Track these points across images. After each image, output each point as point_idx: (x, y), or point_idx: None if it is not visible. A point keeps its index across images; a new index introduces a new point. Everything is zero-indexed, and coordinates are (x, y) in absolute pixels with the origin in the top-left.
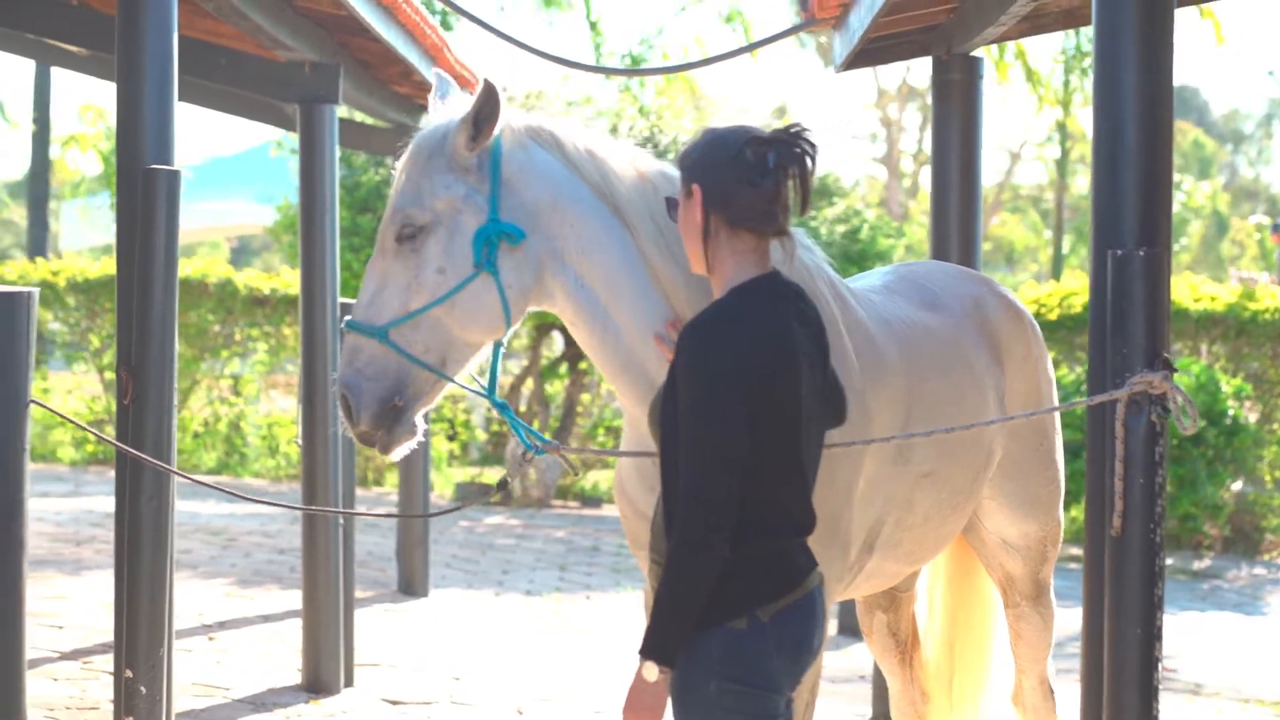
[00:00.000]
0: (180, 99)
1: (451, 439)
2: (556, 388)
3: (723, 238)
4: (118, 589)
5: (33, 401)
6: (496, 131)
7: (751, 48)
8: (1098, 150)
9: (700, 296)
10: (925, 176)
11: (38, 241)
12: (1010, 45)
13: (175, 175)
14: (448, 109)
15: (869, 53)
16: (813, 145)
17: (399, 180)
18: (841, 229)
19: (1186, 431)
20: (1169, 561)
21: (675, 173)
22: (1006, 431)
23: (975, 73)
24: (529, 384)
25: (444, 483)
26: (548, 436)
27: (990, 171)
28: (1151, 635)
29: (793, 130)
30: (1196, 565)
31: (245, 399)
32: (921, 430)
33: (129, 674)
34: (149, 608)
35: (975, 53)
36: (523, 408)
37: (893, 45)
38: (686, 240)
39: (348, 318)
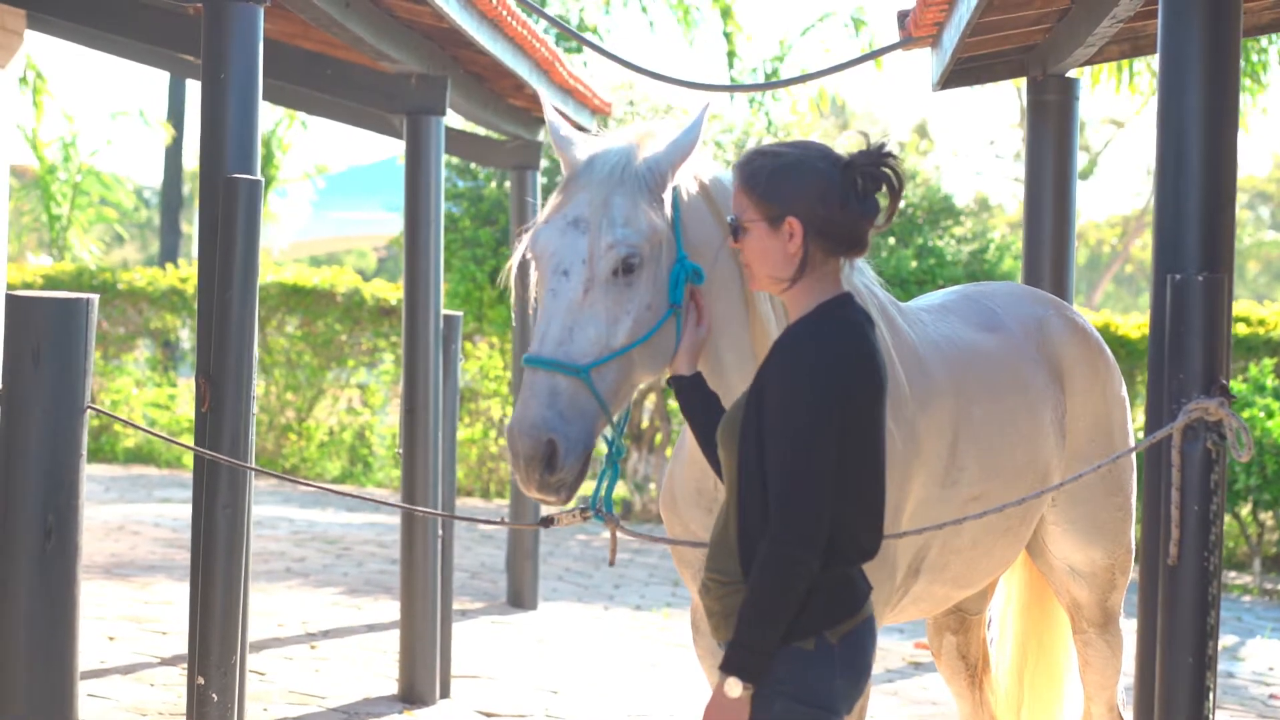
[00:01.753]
0: (293, 108)
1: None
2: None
3: (816, 262)
4: (192, 596)
5: (90, 408)
6: (684, 167)
7: (846, 66)
8: (1161, 174)
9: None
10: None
11: (170, 248)
12: (1144, 67)
13: (256, 184)
14: (607, 138)
15: (965, 72)
16: (897, 161)
17: (597, 207)
18: (969, 248)
19: (1241, 459)
20: None
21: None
22: (1069, 456)
23: (1070, 94)
24: (651, 399)
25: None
26: (669, 453)
27: (1134, 196)
28: (1204, 664)
29: (878, 151)
30: None
31: (371, 409)
32: (972, 452)
33: (201, 681)
34: (222, 615)
35: (1071, 74)
36: (644, 423)
37: (989, 65)
38: (764, 264)
39: (537, 354)
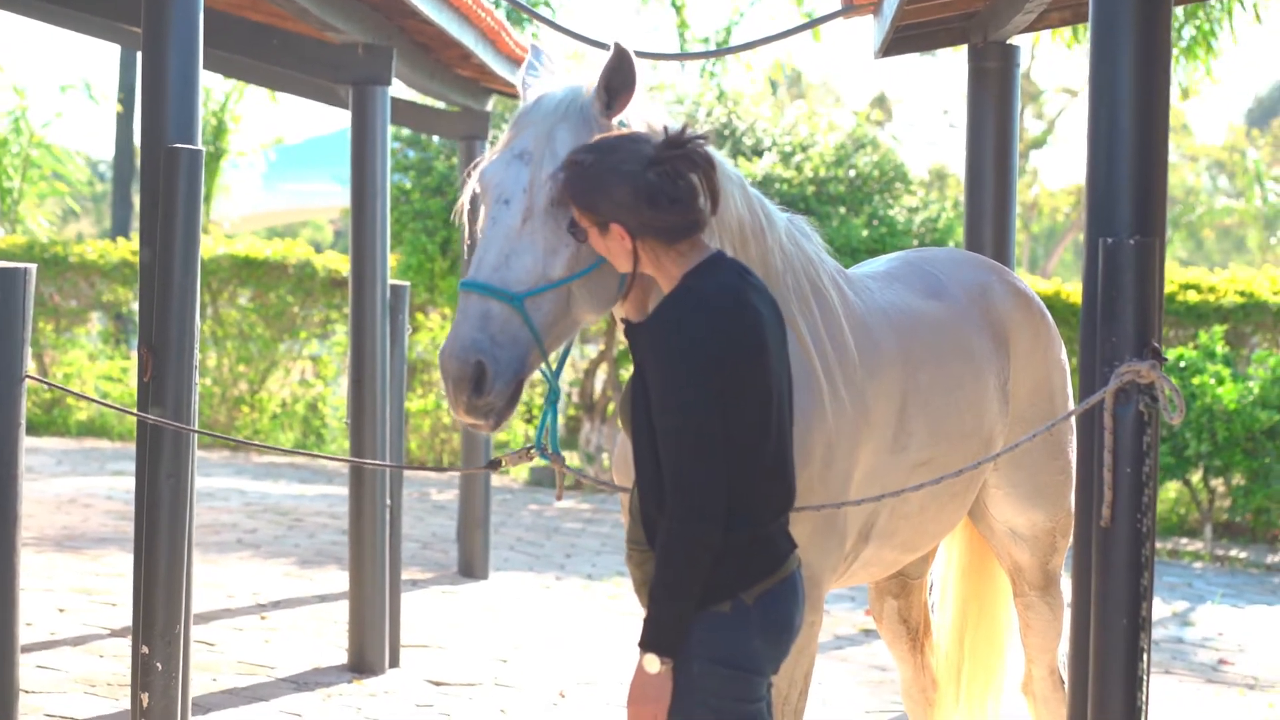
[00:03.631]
0: (241, 79)
1: (528, 421)
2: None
3: (661, 253)
4: (136, 566)
5: (29, 377)
6: (632, 102)
7: (791, 32)
8: (1093, 139)
9: None
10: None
11: (121, 221)
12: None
13: (197, 154)
14: (559, 76)
15: (906, 40)
16: (705, 144)
17: (541, 141)
18: (921, 217)
19: (1173, 421)
20: (1242, 555)
21: (732, 168)
22: (1011, 420)
23: (1011, 61)
24: (604, 368)
25: (517, 468)
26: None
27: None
28: (1137, 625)
29: (679, 138)
30: (1270, 559)
31: (324, 380)
32: (920, 419)
33: (145, 650)
34: (166, 585)
35: (1012, 41)
36: (596, 393)
37: (931, 32)
38: (616, 261)
39: (473, 278)
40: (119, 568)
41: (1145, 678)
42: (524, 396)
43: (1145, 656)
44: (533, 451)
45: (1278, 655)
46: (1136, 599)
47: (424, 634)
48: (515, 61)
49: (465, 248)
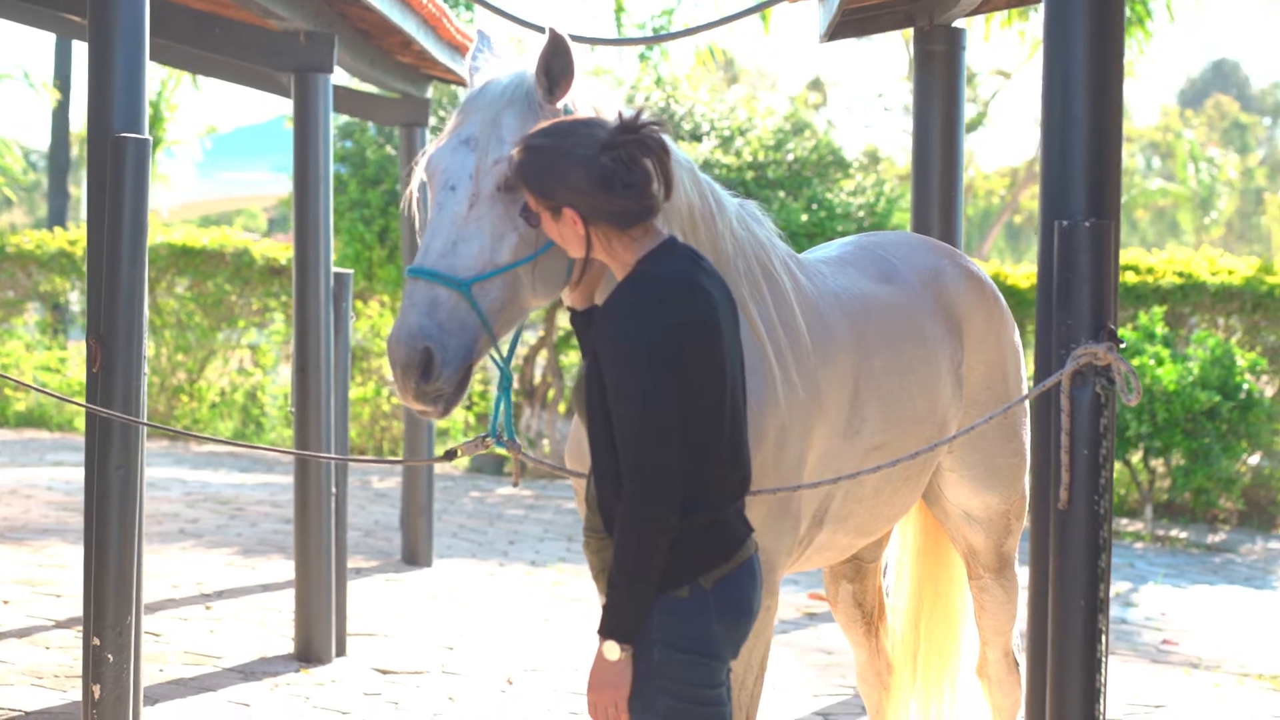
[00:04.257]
0: (181, 68)
1: (469, 408)
2: (572, 359)
3: (613, 238)
4: (86, 558)
5: None
6: (573, 87)
7: (733, 18)
8: (1047, 122)
9: None
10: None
11: (57, 211)
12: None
13: (144, 143)
14: (504, 62)
15: (852, 23)
16: (659, 126)
17: (487, 127)
18: (859, 201)
19: (1130, 403)
20: (1182, 535)
21: (680, 152)
22: (966, 403)
23: (957, 44)
24: (543, 354)
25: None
26: (561, 409)
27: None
28: (1095, 607)
29: (633, 122)
30: (1210, 539)
31: (263, 369)
32: (873, 403)
33: (96, 642)
34: (116, 576)
35: (957, 24)
36: (537, 379)
37: (875, 16)
38: (567, 246)
39: (420, 265)
40: (62, 559)
41: (1104, 659)
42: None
43: (1103, 638)
44: (488, 440)
45: (1220, 635)
46: (1095, 580)
47: (370, 622)
48: (455, 48)
49: (417, 235)
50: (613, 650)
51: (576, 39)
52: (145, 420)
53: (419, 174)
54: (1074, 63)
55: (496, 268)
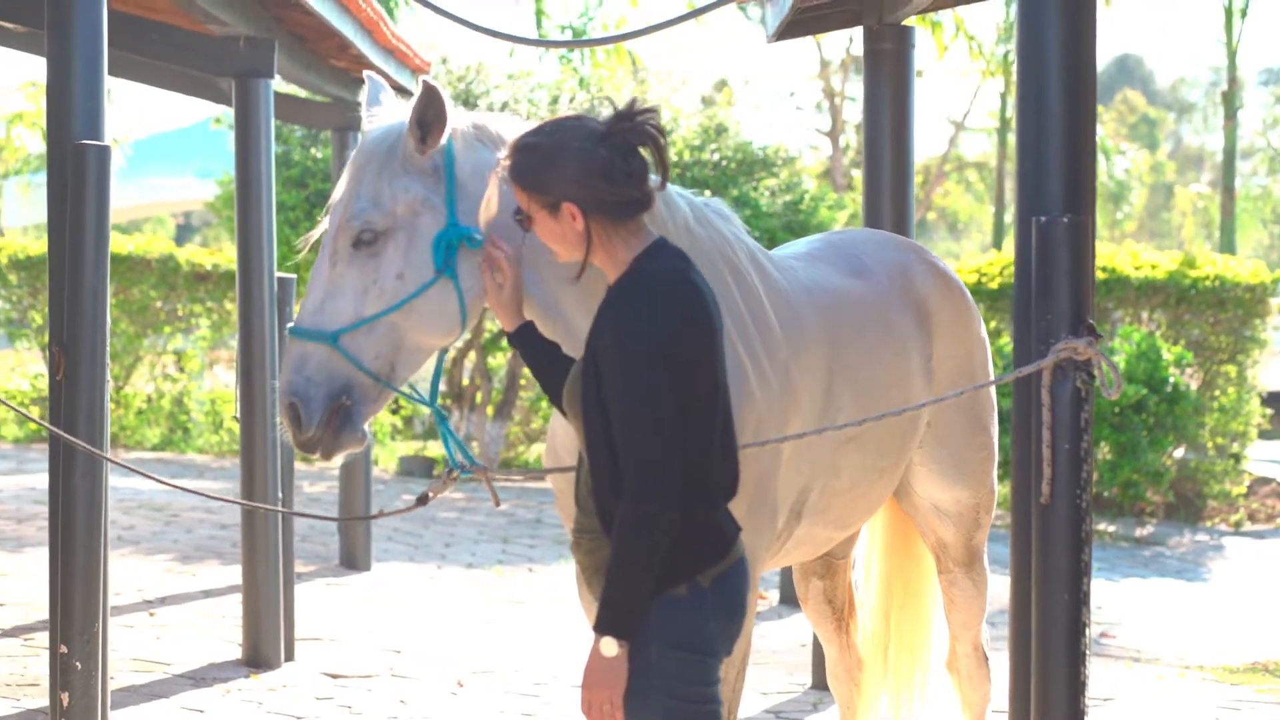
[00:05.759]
0: (114, 74)
1: (395, 412)
2: (500, 360)
3: (609, 233)
4: (52, 565)
5: None
6: (446, 134)
7: (686, 17)
8: (1022, 118)
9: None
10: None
11: None
12: (948, 16)
13: (105, 150)
14: (390, 111)
15: (801, 23)
16: (654, 114)
17: (350, 185)
18: (783, 200)
19: (1111, 396)
20: (1111, 529)
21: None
22: (936, 395)
23: (907, 42)
24: (471, 357)
25: (388, 457)
26: (490, 413)
27: (935, 142)
28: (1079, 600)
29: (629, 110)
30: (1139, 532)
31: (189, 375)
32: (847, 393)
33: (64, 650)
34: (83, 583)
35: (907, 22)
36: (465, 381)
37: (825, 15)
38: (558, 245)
39: (291, 325)
40: (3, 568)
41: (1086, 652)
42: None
43: (1086, 631)
44: (454, 473)
45: (1156, 628)
46: (1078, 574)
47: (315, 627)
48: (391, 52)
49: None
50: (610, 647)
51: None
52: (107, 431)
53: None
54: (1048, 60)
55: (362, 318)
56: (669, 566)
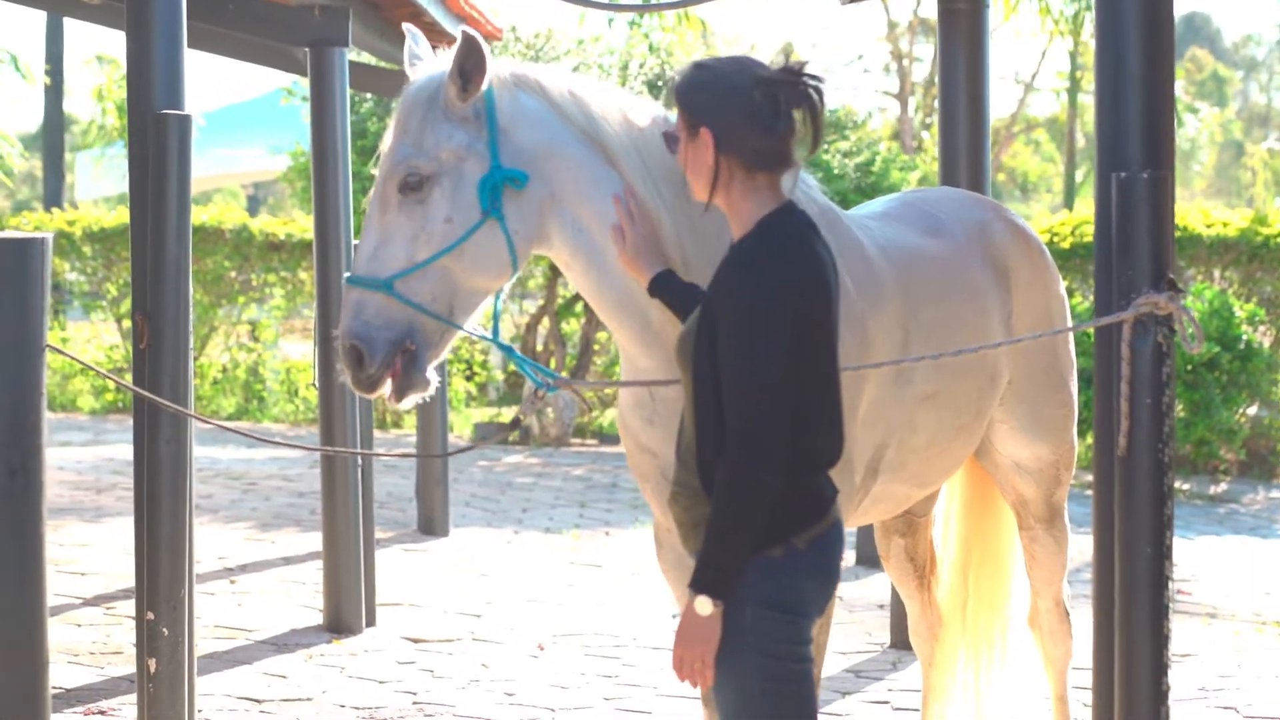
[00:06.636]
0: (191, 46)
1: (469, 379)
2: (573, 326)
3: (738, 179)
4: (138, 532)
5: (49, 347)
6: (486, 82)
7: None
8: (1101, 75)
9: (687, 233)
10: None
11: (53, 193)
12: None
13: (186, 120)
14: (432, 62)
15: None
16: (819, 81)
17: (394, 134)
18: (854, 162)
19: (1193, 351)
20: (1185, 486)
21: (662, 111)
22: (1014, 353)
23: (980, 2)
24: (545, 323)
25: (462, 423)
26: (564, 374)
27: (1004, 102)
28: (1161, 554)
29: (798, 69)
30: (1212, 490)
31: (263, 344)
32: (926, 353)
33: (150, 616)
34: (169, 550)
35: None
36: (539, 347)
37: None
38: (692, 176)
39: (350, 273)
40: (81, 537)
41: (1169, 605)
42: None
43: (1169, 584)
44: (540, 392)
45: (1231, 584)
46: (1161, 528)
47: (395, 592)
48: (463, 18)
49: None
50: (704, 605)
51: (571, 0)
52: (191, 395)
53: None
54: (1127, 18)
55: (416, 263)
56: (768, 528)
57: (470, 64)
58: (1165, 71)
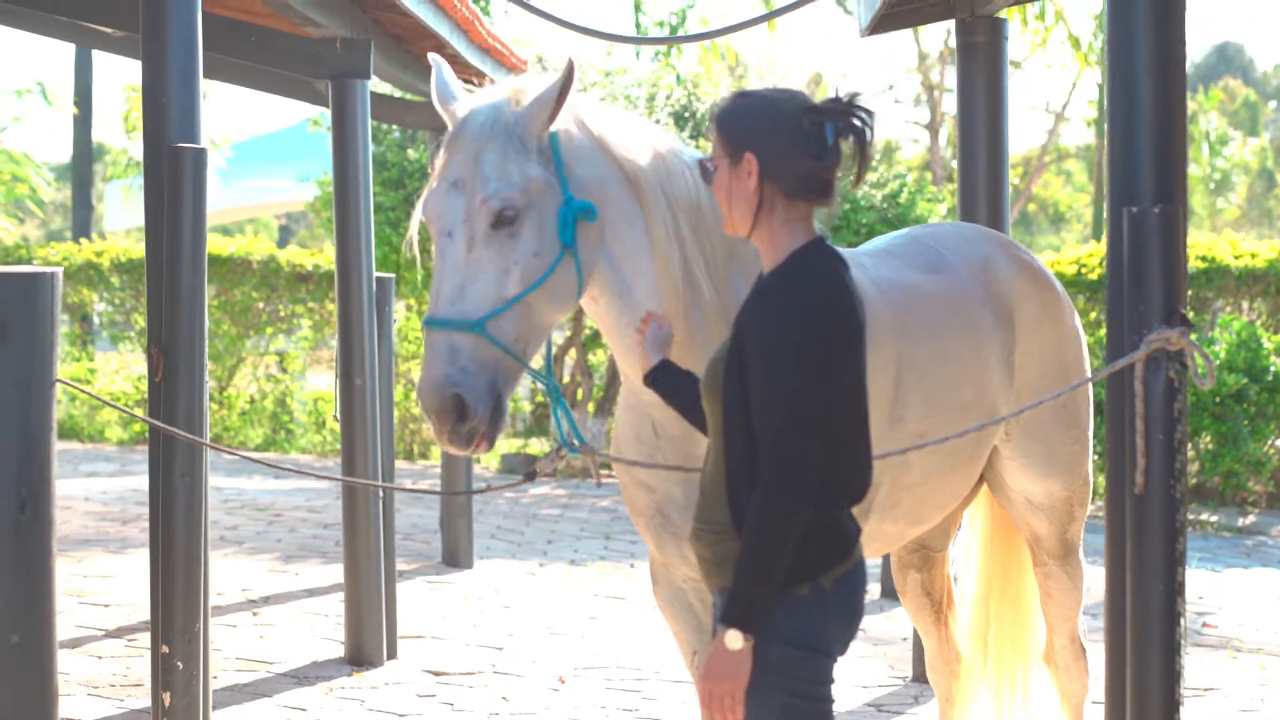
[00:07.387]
0: (213, 77)
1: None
2: (600, 357)
3: (779, 207)
4: (153, 565)
5: (59, 381)
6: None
7: (777, 14)
8: (1112, 109)
9: (700, 269)
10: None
11: (82, 223)
12: (1049, 8)
13: (201, 153)
14: (485, 92)
15: (894, 16)
16: (869, 114)
17: (470, 167)
18: (881, 193)
19: (1204, 386)
20: (1213, 518)
21: (688, 151)
22: (1020, 391)
23: (999, 34)
24: (572, 354)
25: (489, 455)
26: (591, 409)
27: (1036, 133)
28: (1173, 590)
29: (849, 99)
30: (1241, 522)
31: (291, 375)
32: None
33: (165, 649)
34: (184, 583)
35: (1000, 15)
36: (566, 378)
37: (917, 8)
38: (730, 204)
39: (433, 316)
40: (105, 569)
41: (1182, 641)
42: (526, 392)
43: (1181, 621)
44: (563, 451)
45: (1258, 617)
46: (1172, 564)
47: (417, 625)
48: (487, 51)
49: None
50: (735, 640)
51: (594, 34)
52: (207, 426)
53: (416, 217)
54: (1138, 51)
55: (505, 302)
56: (794, 566)
57: (565, 95)
58: (1176, 106)
